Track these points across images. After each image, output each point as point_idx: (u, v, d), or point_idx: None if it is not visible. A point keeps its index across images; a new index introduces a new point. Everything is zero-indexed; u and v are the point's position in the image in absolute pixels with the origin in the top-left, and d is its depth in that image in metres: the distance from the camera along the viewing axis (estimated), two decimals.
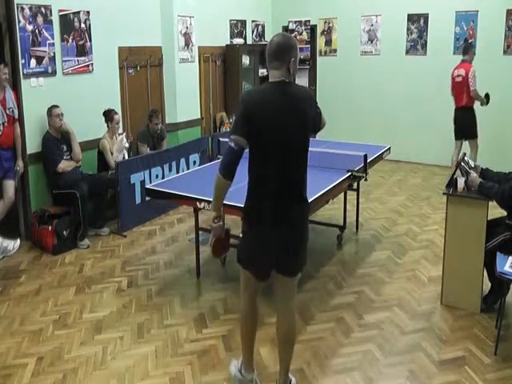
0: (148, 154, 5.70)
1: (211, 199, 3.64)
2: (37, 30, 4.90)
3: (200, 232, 4.29)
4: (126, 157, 5.48)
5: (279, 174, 2.51)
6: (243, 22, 8.31)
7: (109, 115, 5.34)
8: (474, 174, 3.57)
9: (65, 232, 4.81)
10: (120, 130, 5.58)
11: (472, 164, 3.73)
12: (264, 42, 8.74)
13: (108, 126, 5.35)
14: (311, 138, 2.75)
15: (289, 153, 2.48)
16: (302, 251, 2.66)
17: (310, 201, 3.54)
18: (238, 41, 8.06)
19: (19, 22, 4.73)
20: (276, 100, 2.47)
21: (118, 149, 5.33)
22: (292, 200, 2.54)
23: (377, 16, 8.06)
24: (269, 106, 2.44)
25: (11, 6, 4.66)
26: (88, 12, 5.43)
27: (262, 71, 8.44)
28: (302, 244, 2.64)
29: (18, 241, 4.38)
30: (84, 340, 3.36)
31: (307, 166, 2.59)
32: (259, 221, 2.58)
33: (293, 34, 8.78)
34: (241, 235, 2.67)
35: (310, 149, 2.64)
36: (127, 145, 5.49)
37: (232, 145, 2.45)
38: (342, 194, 4.96)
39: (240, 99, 2.48)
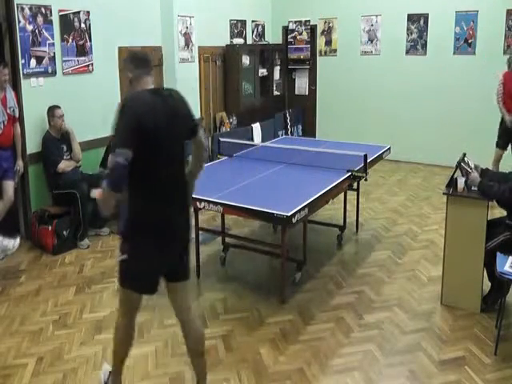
0: None
1: (211, 199, 3.66)
2: (37, 30, 4.90)
3: (200, 232, 4.29)
4: None
5: (169, 181, 2.47)
6: (243, 22, 8.31)
7: None
8: (474, 174, 3.57)
9: (65, 232, 4.82)
10: None
11: (472, 164, 3.73)
12: (264, 42, 8.75)
13: None
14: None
15: (175, 158, 2.50)
16: (188, 255, 2.69)
17: (309, 201, 3.59)
18: (238, 41, 8.06)
19: (19, 22, 4.73)
20: (161, 107, 2.42)
21: None
22: (183, 206, 2.57)
23: (377, 16, 8.05)
24: (156, 114, 2.36)
25: (11, 6, 4.66)
26: (88, 12, 5.43)
27: (262, 71, 8.45)
28: (187, 250, 2.66)
29: (18, 239, 4.37)
30: (84, 340, 3.36)
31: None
32: (152, 233, 2.45)
33: (293, 34, 8.80)
34: (122, 257, 2.48)
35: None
36: None
37: (120, 160, 2.20)
38: (342, 194, 4.96)
39: (119, 108, 2.33)
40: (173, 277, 2.61)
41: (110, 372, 2.81)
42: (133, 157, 2.24)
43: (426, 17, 7.63)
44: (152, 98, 2.43)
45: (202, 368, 2.73)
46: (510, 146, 6.07)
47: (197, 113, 7.07)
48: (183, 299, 2.68)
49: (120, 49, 5.92)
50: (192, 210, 2.74)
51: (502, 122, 6.07)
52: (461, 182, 3.58)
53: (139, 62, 2.49)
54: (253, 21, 8.56)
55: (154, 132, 2.33)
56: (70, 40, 5.26)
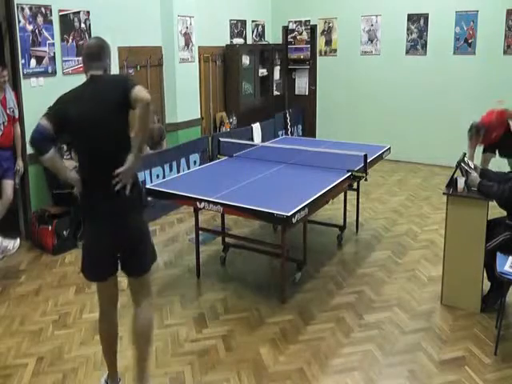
0: (148, 154, 5.70)
1: (211, 199, 3.66)
2: (37, 30, 4.90)
3: (200, 232, 4.29)
4: None
5: (95, 166, 2.52)
6: (243, 22, 8.31)
7: None
8: (474, 174, 3.57)
9: (65, 232, 4.82)
10: None
11: (472, 165, 3.73)
12: (264, 42, 8.76)
13: None
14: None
15: (102, 143, 2.48)
16: (140, 247, 2.62)
17: (309, 201, 3.59)
18: (238, 41, 8.06)
19: (19, 21, 4.73)
20: (87, 94, 2.51)
21: None
22: (111, 194, 2.48)
23: (377, 16, 8.06)
24: (78, 102, 2.49)
25: (11, 6, 4.66)
26: (88, 12, 5.43)
27: (262, 71, 8.46)
28: (135, 243, 2.59)
29: (18, 240, 4.38)
30: (84, 340, 3.36)
31: (125, 155, 2.47)
32: (86, 220, 2.61)
33: (293, 34, 8.79)
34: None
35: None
36: None
37: (42, 122, 2.44)
38: (342, 194, 4.96)
39: None
40: (123, 268, 2.65)
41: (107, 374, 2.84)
42: (70, 143, 2.47)
43: (426, 17, 7.63)
44: (81, 87, 2.56)
45: (144, 352, 2.71)
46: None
47: (197, 113, 7.08)
48: (136, 292, 2.71)
49: (120, 49, 5.92)
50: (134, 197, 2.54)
51: None
52: (461, 182, 3.58)
53: (85, 57, 2.60)
54: (253, 21, 8.56)
55: (76, 119, 2.45)
56: (70, 40, 5.26)
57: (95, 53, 2.57)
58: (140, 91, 2.39)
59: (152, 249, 2.72)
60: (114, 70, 5.86)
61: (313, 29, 8.68)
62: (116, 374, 2.83)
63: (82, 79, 2.62)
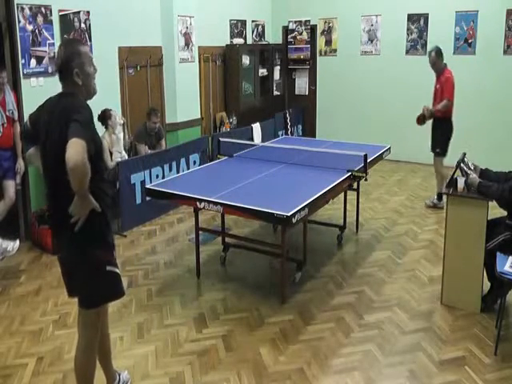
0: (148, 154, 5.70)
1: (211, 199, 3.66)
2: (37, 30, 4.90)
3: (200, 232, 4.29)
4: (126, 156, 5.49)
5: (49, 191, 2.43)
6: (243, 22, 8.31)
7: (106, 114, 5.31)
8: (473, 175, 3.57)
9: None
10: (121, 121, 5.54)
11: (471, 165, 3.73)
12: (264, 42, 8.76)
13: (108, 124, 5.34)
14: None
15: (50, 170, 2.38)
16: (79, 282, 2.42)
17: (309, 201, 3.59)
18: (238, 41, 8.06)
19: (19, 21, 4.73)
20: (45, 113, 2.42)
21: (116, 128, 5.32)
22: (60, 223, 2.36)
23: (377, 16, 8.06)
24: (42, 116, 2.41)
25: (11, 6, 4.66)
26: (88, 12, 5.44)
27: (262, 71, 8.46)
28: (75, 276, 2.42)
29: (18, 241, 4.38)
30: None
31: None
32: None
33: (293, 34, 8.79)
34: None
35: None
36: (121, 121, 5.46)
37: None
38: (342, 194, 4.96)
39: None
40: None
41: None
42: None
43: (426, 17, 7.64)
44: (50, 101, 2.48)
45: None
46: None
47: (197, 113, 7.08)
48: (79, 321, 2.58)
49: (120, 49, 5.92)
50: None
51: (446, 125, 5.77)
52: (461, 182, 3.58)
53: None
54: (253, 21, 8.56)
55: (39, 131, 2.39)
56: None
57: (57, 66, 2.38)
58: (69, 148, 2.06)
59: (94, 292, 2.45)
60: (114, 70, 5.88)
61: (313, 29, 8.68)
62: (112, 373, 2.82)
63: None
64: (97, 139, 2.36)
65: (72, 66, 2.34)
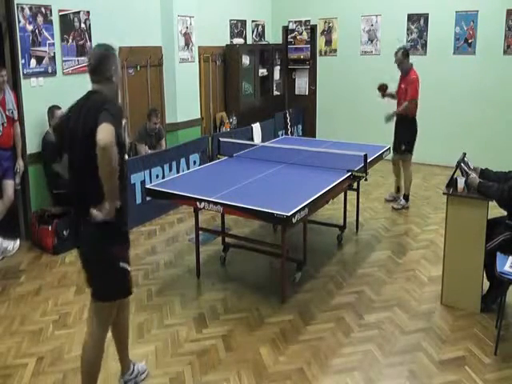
0: (148, 154, 5.70)
1: (211, 199, 3.66)
2: (37, 30, 4.90)
3: (200, 232, 4.29)
4: (126, 156, 5.48)
5: (73, 184, 2.51)
6: (243, 22, 8.31)
7: None
8: (473, 175, 3.57)
9: (65, 232, 4.81)
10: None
11: (471, 165, 3.73)
12: (264, 42, 8.76)
13: None
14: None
15: (74, 162, 2.47)
16: (93, 275, 2.52)
17: (309, 201, 3.59)
18: (238, 41, 8.06)
19: (19, 21, 4.73)
20: (73, 109, 2.54)
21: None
22: (83, 218, 2.43)
23: (377, 16, 8.06)
24: (68, 114, 2.56)
25: (11, 6, 4.66)
26: (88, 12, 5.44)
27: (262, 71, 8.46)
28: (92, 268, 2.52)
29: (18, 241, 4.38)
30: None
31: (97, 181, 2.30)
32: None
33: (293, 34, 8.79)
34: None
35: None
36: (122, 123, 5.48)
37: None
38: (342, 194, 4.96)
39: None
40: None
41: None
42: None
43: (426, 17, 7.63)
44: (78, 100, 2.57)
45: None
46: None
47: (197, 113, 7.08)
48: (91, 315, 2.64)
49: (120, 49, 5.91)
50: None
51: (410, 124, 5.85)
52: (461, 182, 3.58)
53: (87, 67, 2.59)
54: (253, 21, 8.56)
55: (66, 129, 2.51)
56: (70, 40, 5.26)
57: (92, 65, 2.52)
58: (100, 131, 2.22)
59: (105, 287, 2.53)
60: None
61: (313, 29, 8.68)
62: (129, 365, 2.87)
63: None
64: (121, 134, 2.44)
65: (107, 67, 2.50)
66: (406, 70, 5.78)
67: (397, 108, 5.89)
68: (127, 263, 2.54)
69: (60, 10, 5.13)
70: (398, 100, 5.94)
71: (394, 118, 5.88)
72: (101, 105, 2.34)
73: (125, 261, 2.52)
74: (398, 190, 6.21)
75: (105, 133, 2.21)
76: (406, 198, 5.99)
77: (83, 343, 2.60)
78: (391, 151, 5.57)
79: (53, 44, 5.08)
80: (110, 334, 2.86)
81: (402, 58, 5.74)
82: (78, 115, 2.43)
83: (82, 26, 5.39)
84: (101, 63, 2.50)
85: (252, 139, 7.16)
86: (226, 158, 4.98)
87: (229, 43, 7.92)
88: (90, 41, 5.49)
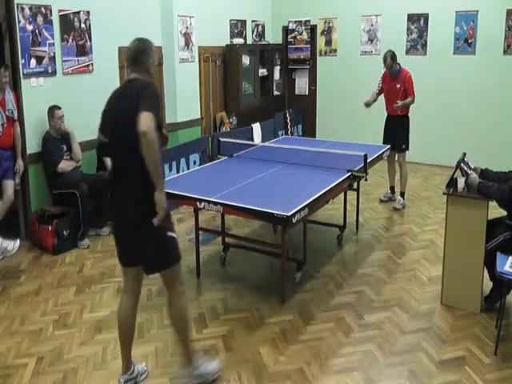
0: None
1: (211, 199, 3.66)
2: (37, 30, 4.90)
3: (200, 232, 4.29)
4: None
5: (117, 171, 2.71)
6: (243, 22, 8.31)
7: None
8: (473, 175, 3.57)
9: (65, 232, 4.82)
10: None
11: (471, 165, 3.73)
12: (264, 42, 8.75)
13: None
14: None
15: (118, 145, 2.64)
16: (145, 249, 2.69)
17: (309, 201, 3.59)
18: (238, 41, 8.06)
19: (19, 21, 4.73)
20: (117, 95, 2.75)
21: None
22: (123, 202, 2.65)
23: (377, 16, 8.06)
24: (111, 100, 2.75)
25: (11, 6, 4.66)
26: (88, 12, 5.43)
27: (262, 71, 8.45)
28: (142, 246, 2.66)
29: (18, 241, 4.38)
30: (84, 340, 3.36)
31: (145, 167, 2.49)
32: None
33: (293, 34, 8.79)
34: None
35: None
36: None
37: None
38: (342, 194, 4.96)
39: None
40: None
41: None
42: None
43: (426, 17, 7.63)
44: (119, 87, 2.85)
45: (178, 340, 2.90)
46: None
47: (197, 113, 7.08)
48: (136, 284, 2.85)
49: (120, 49, 5.92)
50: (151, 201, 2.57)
51: (406, 122, 6.03)
52: (461, 181, 3.58)
53: (125, 59, 2.80)
54: (253, 21, 8.56)
55: (106, 115, 2.72)
56: (70, 40, 5.26)
57: (131, 56, 2.74)
58: (142, 120, 2.39)
59: (163, 254, 2.72)
60: (114, 70, 5.88)
61: (313, 29, 8.68)
62: (130, 365, 2.89)
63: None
64: (161, 120, 2.68)
65: (145, 59, 2.74)
66: (397, 71, 5.86)
67: (388, 108, 5.98)
68: (173, 232, 2.73)
69: (60, 10, 5.13)
70: (388, 99, 5.96)
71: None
72: (143, 89, 2.55)
73: (171, 230, 2.70)
74: (392, 190, 6.24)
75: (145, 120, 2.39)
76: (403, 195, 6.02)
77: (171, 310, 2.81)
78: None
79: (53, 44, 5.08)
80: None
81: (392, 62, 5.79)
82: (119, 101, 2.65)
83: (82, 25, 5.39)
84: (140, 55, 2.72)
85: (252, 139, 7.15)
86: (225, 157, 4.98)
87: (229, 43, 7.92)
88: (90, 41, 5.49)
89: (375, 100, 6.06)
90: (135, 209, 2.60)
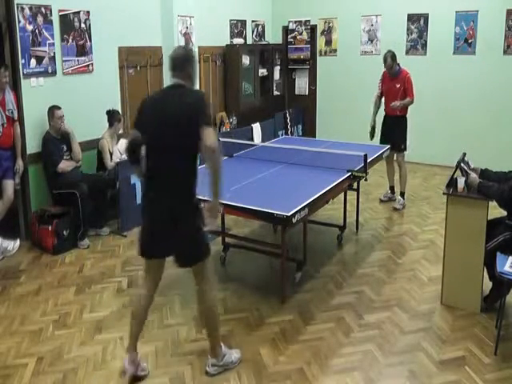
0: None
1: (209, 198, 3.66)
2: (37, 30, 4.90)
3: None
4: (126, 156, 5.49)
5: (157, 164, 2.75)
6: (243, 22, 8.31)
7: (116, 117, 5.36)
8: (473, 175, 3.57)
9: (65, 232, 4.82)
10: (121, 131, 5.59)
11: (471, 165, 3.73)
12: (264, 42, 8.75)
13: (112, 125, 5.35)
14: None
15: (163, 146, 2.70)
16: (187, 244, 2.84)
17: (309, 201, 3.59)
18: (238, 41, 8.06)
19: (19, 21, 4.73)
20: (157, 96, 2.88)
21: (123, 151, 5.35)
22: (167, 192, 2.75)
23: (377, 16, 8.05)
24: (153, 104, 2.83)
25: (11, 6, 4.66)
26: (88, 12, 5.43)
27: (262, 71, 8.45)
28: (186, 243, 2.83)
29: (18, 241, 4.39)
30: (84, 340, 3.36)
31: (189, 168, 2.74)
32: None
33: (293, 34, 8.79)
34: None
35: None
36: (121, 131, 5.53)
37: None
38: (342, 194, 4.96)
39: None
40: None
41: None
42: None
43: (425, 17, 7.63)
44: (160, 92, 2.96)
45: (207, 334, 3.02)
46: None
47: None
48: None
49: (120, 49, 5.92)
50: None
51: (405, 122, 6.04)
52: (461, 181, 3.58)
53: (169, 64, 2.82)
54: (253, 21, 8.56)
55: (148, 116, 2.76)
56: (70, 40, 5.26)
57: (175, 62, 2.79)
58: (208, 137, 2.53)
59: (202, 248, 2.89)
60: (114, 70, 5.88)
61: (313, 29, 8.68)
62: (135, 354, 2.96)
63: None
64: None
65: (189, 67, 2.81)
66: (397, 71, 5.86)
67: (387, 107, 5.97)
68: (204, 226, 2.86)
69: (60, 10, 5.13)
70: (387, 99, 5.96)
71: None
72: (200, 99, 2.70)
73: (204, 226, 2.84)
74: (392, 190, 6.24)
75: (212, 138, 2.54)
76: (403, 195, 6.01)
77: (200, 302, 2.96)
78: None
79: (53, 44, 5.08)
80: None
81: (392, 62, 5.80)
82: (168, 101, 2.72)
83: (82, 25, 5.39)
84: (185, 62, 2.79)
85: (252, 139, 7.15)
86: (225, 158, 4.97)
87: (229, 43, 7.92)
88: (90, 41, 5.49)
89: (379, 106, 6.08)
90: (178, 207, 2.72)
